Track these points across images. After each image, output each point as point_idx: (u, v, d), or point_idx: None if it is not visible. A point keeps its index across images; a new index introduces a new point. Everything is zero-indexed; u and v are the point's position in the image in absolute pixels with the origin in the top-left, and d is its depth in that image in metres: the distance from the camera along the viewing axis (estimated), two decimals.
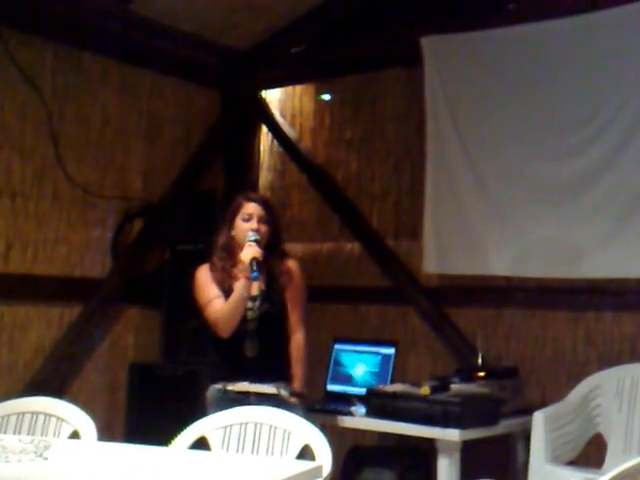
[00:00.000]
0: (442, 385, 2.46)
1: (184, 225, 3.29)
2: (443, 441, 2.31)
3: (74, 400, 2.02)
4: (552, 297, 2.85)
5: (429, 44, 3.06)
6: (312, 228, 3.56)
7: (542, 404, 2.61)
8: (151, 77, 3.39)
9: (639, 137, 2.62)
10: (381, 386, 2.60)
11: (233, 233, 2.19)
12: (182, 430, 1.78)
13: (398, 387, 2.51)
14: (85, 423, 1.84)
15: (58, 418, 1.88)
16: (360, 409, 2.47)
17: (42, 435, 1.84)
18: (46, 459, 1.45)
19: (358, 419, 2.46)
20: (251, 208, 2.17)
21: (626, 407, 2.51)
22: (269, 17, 3.40)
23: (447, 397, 2.38)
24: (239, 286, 2.11)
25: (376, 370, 2.74)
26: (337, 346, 2.90)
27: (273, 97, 3.71)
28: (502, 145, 2.92)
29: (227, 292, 2.14)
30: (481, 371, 2.66)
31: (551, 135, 2.80)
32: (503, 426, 2.48)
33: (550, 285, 2.80)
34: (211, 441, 1.81)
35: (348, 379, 2.81)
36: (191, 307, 3.19)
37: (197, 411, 2.10)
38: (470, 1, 3.01)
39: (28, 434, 1.85)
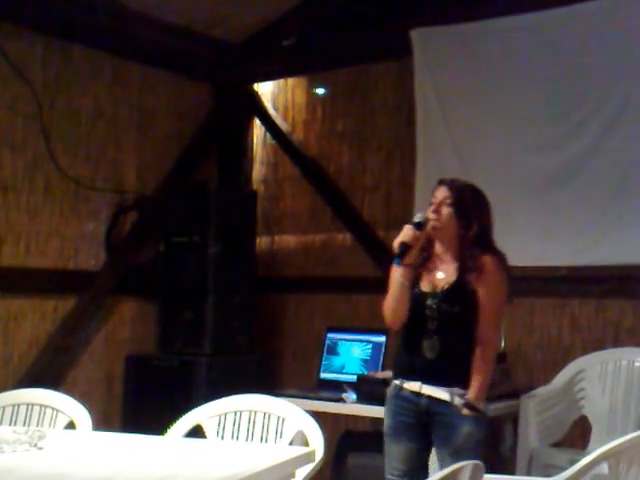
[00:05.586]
0: None
1: (178, 217, 3.30)
2: None
3: (70, 392, 2.05)
4: (538, 285, 2.90)
5: (419, 36, 3.07)
6: (305, 220, 3.59)
7: (529, 388, 2.67)
8: (142, 70, 3.39)
9: (622, 126, 2.67)
10: (372, 373, 2.65)
11: None
12: (178, 420, 1.81)
13: (389, 374, 2.53)
14: (80, 413, 1.87)
15: (53, 409, 1.91)
16: (351, 396, 2.51)
17: (38, 426, 1.85)
18: (41, 449, 1.46)
19: (349, 405, 2.51)
20: (436, 191, 1.97)
21: (609, 390, 2.57)
22: (260, 9, 3.40)
23: None
24: (393, 274, 1.94)
25: (368, 358, 2.78)
26: (330, 335, 2.94)
27: (265, 90, 3.72)
28: (490, 136, 2.95)
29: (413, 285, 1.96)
30: None
31: (538, 125, 2.84)
32: (491, 410, 2.50)
33: (536, 274, 2.85)
34: (206, 429, 1.84)
35: (341, 367, 2.85)
36: (186, 298, 3.25)
37: (192, 401, 2.12)
38: None
39: (24, 425, 1.86)
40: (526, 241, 2.81)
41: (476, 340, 1.92)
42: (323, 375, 2.87)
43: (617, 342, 2.71)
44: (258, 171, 3.75)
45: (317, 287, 3.45)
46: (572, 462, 1.57)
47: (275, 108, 3.68)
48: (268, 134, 3.71)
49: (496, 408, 2.55)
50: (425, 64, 3.08)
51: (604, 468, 1.49)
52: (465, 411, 1.89)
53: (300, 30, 3.50)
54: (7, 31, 2.90)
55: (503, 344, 2.92)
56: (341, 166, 3.49)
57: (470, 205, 1.97)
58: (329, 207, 3.50)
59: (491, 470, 1.39)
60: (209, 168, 3.68)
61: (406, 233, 1.93)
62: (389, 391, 2.02)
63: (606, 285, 2.74)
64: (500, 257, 1.97)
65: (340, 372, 2.82)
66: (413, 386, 1.94)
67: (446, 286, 1.94)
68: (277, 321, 3.56)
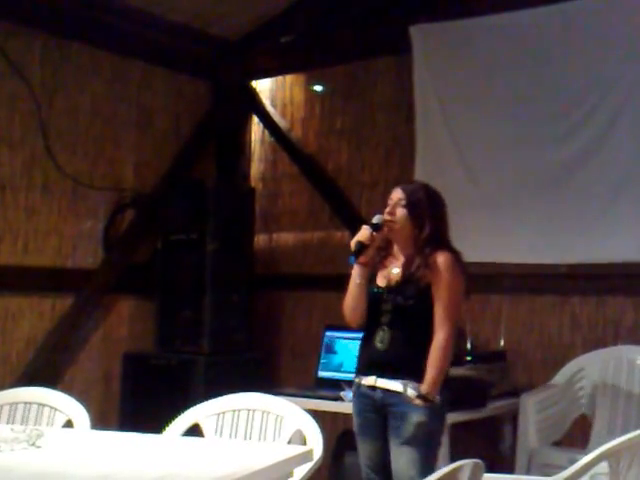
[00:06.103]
0: None
1: (176, 215, 3.30)
2: None
3: (68, 390, 2.04)
4: (539, 282, 2.90)
5: (418, 32, 3.07)
6: (303, 217, 3.58)
7: (529, 387, 2.67)
8: (141, 67, 3.38)
9: (623, 122, 2.66)
10: None
11: None
12: (176, 419, 1.81)
13: None
14: (78, 412, 1.86)
15: (51, 407, 1.91)
16: (349, 394, 2.50)
17: (36, 425, 1.85)
18: (39, 447, 1.46)
19: (348, 404, 2.49)
20: (392, 193, 2.05)
21: (610, 389, 2.57)
22: (258, 7, 3.39)
23: None
24: (352, 273, 2.03)
25: None
26: (328, 333, 2.93)
27: (264, 87, 3.71)
28: (490, 132, 2.95)
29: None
30: (470, 355, 2.70)
31: (539, 122, 2.83)
32: (491, 408, 2.54)
33: (537, 271, 2.85)
34: (204, 428, 1.84)
35: (339, 365, 2.85)
36: (184, 296, 3.25)
37: (190, 400, 2.12)
38: None
39: (21, 424, 1.86)
40: (526, 238, 2.81)
41: (431, 334, 1.95)
42: (321, 373, 2.86)
43: (617, 340, 2.71)
44: (256, 168, 3.74)
45: (315, 285, 3.45)
46: (572, 461, 1.56)
47: (273, 105, 3.67)
48: (266, 131, 3.70)
49: (495, 407, 2.56)
50: (424, 61, 3.07)
51: (604, 467, 1.49)
52: (417, 401, 1.91)
53: (298, 27, 3.49)
54: (5, 29, 2.89)
55: (502, 342, 2.93)
56: (339, 163, 3.48)
57: (423, 206, 2.02)
58: (327, 204, 3.50)
59: (491, 469, 1.39)
60: (207, 165, 3.67)
61: (363, 233, 2.00)
62: (352, 390, 2.08)
63: (606, 283, 2.74)
64: (454, 254, 2.01)
65: (338, 370, 2.82)
66: (369, 380, 1.99)
67: (400, 280, 2.00)
68: (275, 319, 3.55)
